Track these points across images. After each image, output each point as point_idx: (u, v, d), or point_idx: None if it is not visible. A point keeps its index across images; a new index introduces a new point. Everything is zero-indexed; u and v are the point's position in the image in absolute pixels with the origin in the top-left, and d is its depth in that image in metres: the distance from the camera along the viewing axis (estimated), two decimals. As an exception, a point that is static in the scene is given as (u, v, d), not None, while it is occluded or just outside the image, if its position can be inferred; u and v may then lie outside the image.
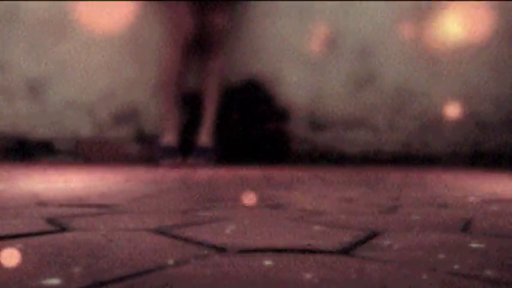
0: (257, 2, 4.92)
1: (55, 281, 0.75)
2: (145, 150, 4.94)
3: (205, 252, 0.96)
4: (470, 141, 4.95)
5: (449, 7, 4.90)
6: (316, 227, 1.25)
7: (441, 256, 0.94)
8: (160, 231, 1.18)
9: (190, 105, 4.89)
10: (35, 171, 3.58)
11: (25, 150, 4.93)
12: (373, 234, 1.16)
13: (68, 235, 1.13)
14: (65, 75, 4.92)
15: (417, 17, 4.92)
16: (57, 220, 1.35)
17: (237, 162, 4.89)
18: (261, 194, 2.14)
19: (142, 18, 4.91)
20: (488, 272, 0.81)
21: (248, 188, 2.40)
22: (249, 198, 1.94)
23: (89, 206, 1.69)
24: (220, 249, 0.99)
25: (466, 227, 1.28)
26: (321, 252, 0.97)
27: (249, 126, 4.86)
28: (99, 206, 1.69)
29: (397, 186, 2.59)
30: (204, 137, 4.63)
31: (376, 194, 2.16)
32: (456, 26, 4.89)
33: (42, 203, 1.74)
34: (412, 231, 1.20)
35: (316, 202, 1.83)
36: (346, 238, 1.11)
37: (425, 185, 2.68)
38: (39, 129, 4.93)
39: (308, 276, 0.79)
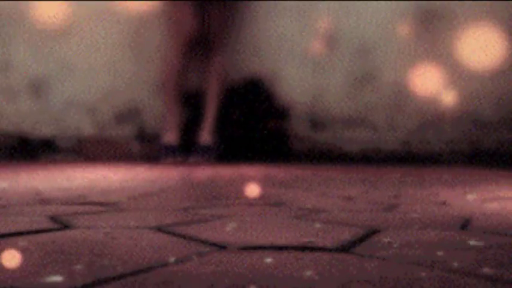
0: (258, 1, 4.92)
1: (57, 279, 0.75)
2: (146, 149, 4.95)
3: (207, 249, 0.97)
4: (469, 139, 4.95)
5: (449, 7, 4.90)
6: (317, 225, 1.26)
7: (440, 253, 0.95)
8: (162, 229, 1.19)
9: (191, 103, 4.90)
10: (38, 170, 3.59)
11: (27, 149, 4.94)
12: (373, 232, 1.17)
13: (70, 233, 1.14)
14: (67, 74, 4.93)
15: (416, 16, 4.92)
16: (59, 218, 1.36)
17: (238, 160, 4.90)
18: (261, 192, 2.14)
19: (144, 17, 4.92)
20: (486, 270, 0.82)
21: (249, 186, 2.40)
22: (250, 196, 1.95)
23: (91, 204, 1.70)
24: (221, 247, 1.00)
25: (465, 225, 1.29)
26: (321, 249, 0.98)
27: (250, 125, 4.87)
28: (101, 204, 1.70)
29: (397, 184, 2.60)
30: (205, 135, 4.64)
31: (375, 192, 2.17)
32: (454, 26, 4.90)
33: (44, 201, 1.75)
34: (411, 229, 1.21)
35: (317, 200, 1.83)
36: (346, 236, 1.12)
37: (424, 183, 2.69)
38: (42, 128, 4.94)
39: (308, 273, 0.80)
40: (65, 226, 1.23)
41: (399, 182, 2.76)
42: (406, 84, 4.95)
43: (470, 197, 1.98)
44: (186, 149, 4.82)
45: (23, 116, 4.94)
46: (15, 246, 0.98)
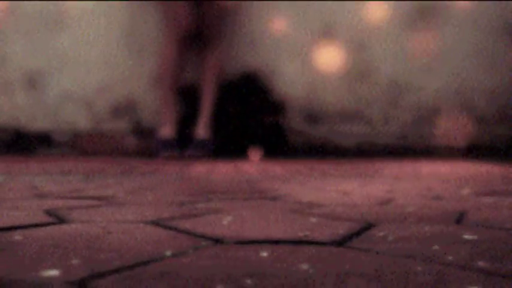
0: None
1: (54, 273, 0.76)
2: (143, 143, 4.95)
3: (203, 243, 0.97)
4: (464, 134, 4.96)
5: (444, 4, 4.91)
6: (312, 219, 1.27)
7: (435, 247, 0.95)
8: (158, 223, 1.19)
9: (187, 98, 4.89)
10: (33, 163, 3.59)
11: (23, 143, 4.93)
12: (368, 226, 1.17)
13: (66, 227, 1.14)
14: (63, 68, 4.92)
15: (412, 12, 4.92)
16: (55, 212, 1.36)
17: (234, 154, 4.90)
18: (257, 186, 2.15)
19: (140, 11, 4.91)
20: (481, 263, 0.83)
21: (245, 180, 2.41)
22: (246, 191, 1.95)
23: (87, 198, 1.70)
24: (218, 241, 1.00)
25: (460, 218, 1.29)
26: (317, 243, 0.98)
27: (246, 119, 4.87)
28: (97, 198, 1.70)
29: (392, 178, 2.61)
30: (202, 129, 4.64)
31: (371, 186, 2.18)
32: (451, 22, 4.90)
33: (40, 195, 1.74)
34: (407, 223, 1.22)
35: (312, 194, 1.84)
36: (342, 230, 1.12)
37: (420, 177, 2.69)
38: (37, 122, 4.93)
39: (304, 267, 0.80)
40: (61, 220, 1.23)
41: (394, 175, 2.77)
42: (402, 79, 4.95)
43: (465, 190, 1.99)
44: (182, 143, 4.82)
45: (19, 110, 4.93)
46: (11, 240, 0.98)
